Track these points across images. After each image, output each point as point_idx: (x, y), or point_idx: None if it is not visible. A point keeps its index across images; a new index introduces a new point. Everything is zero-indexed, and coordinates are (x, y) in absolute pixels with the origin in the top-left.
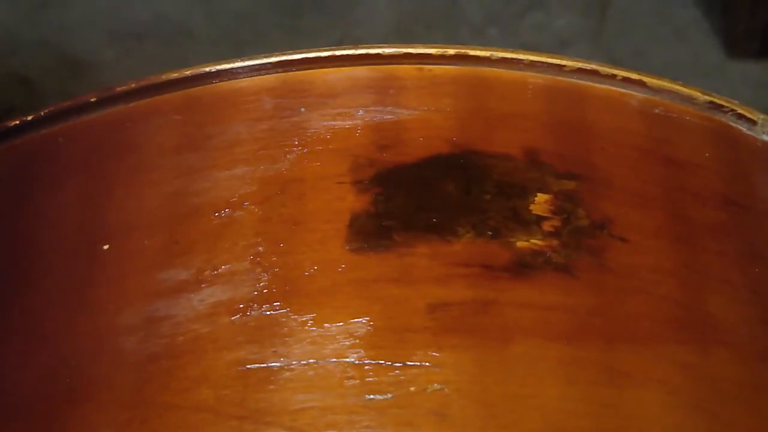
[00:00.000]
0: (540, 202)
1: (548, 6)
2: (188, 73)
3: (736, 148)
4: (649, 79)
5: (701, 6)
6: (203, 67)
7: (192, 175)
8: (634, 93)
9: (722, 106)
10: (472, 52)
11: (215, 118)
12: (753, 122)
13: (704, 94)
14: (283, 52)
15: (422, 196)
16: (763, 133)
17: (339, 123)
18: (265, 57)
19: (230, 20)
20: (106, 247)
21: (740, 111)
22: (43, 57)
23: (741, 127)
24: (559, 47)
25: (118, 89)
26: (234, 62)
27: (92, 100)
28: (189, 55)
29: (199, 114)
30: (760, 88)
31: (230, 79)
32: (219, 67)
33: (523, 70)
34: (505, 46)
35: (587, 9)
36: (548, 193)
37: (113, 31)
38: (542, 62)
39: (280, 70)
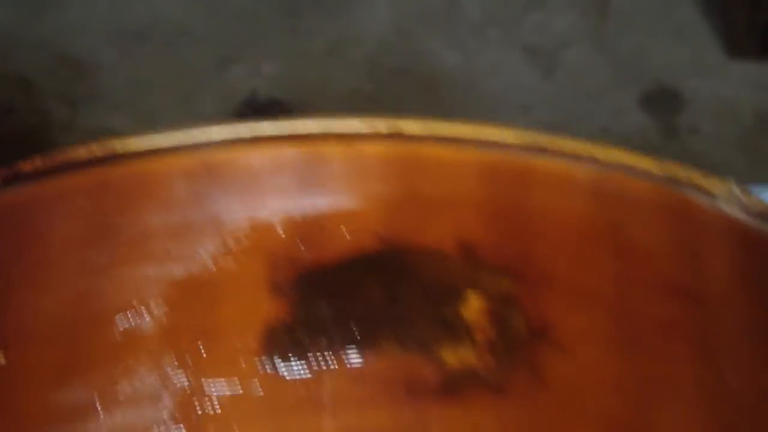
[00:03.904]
0: (473, 308)
1: (548, 6)
2: (99, 152)
3: (695, 228)
4: (601, 152)
5: (701, 6)
6: (114, 144)
7: (97, 275)
8: (585, 168)
9: (680, 179)
10: (406, 130)
11: (126, 206)
12: (713, 195)
13: (660, 166)
14: (202, 130)
15: (344, 304)
16: (725, 204)
17: (259, 214)
18: (184, 135)
19: (230, 20)
20: (2, 360)
21: (699, 183)
22: (42, 57)
23: (701, 201)
24: (560, 47)
25: (23, 167)
26: (149, 140)
27: None
28: (189, 55)
29: (109, 200)
30: (761, 88)
31: (145, 160)
32: (132, 147)
33: (463, 148)
34: (505, 46)
35: (587, 9)
36: (482, 296)
37: (113, 32)
38: (484, 140)
39: (198, 150)
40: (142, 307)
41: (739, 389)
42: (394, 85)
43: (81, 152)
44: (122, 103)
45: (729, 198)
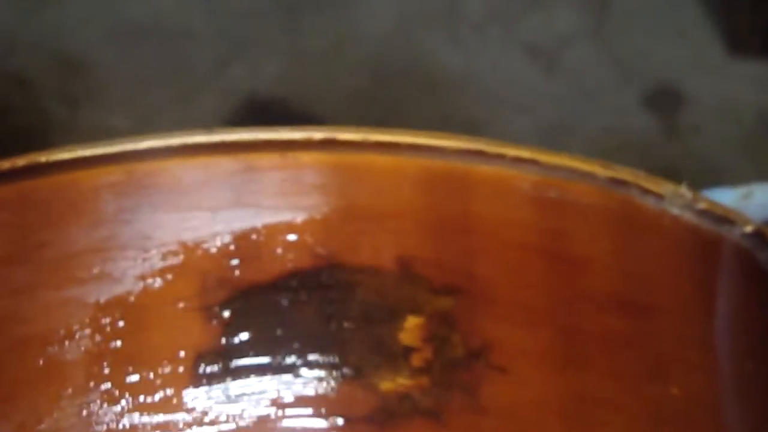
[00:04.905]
0: (410, 329)
1: (549, 5)
2: (21, 163)
3: (641, 232)
4: (543, 156)
5: (703, 5)
6: (37, 155)
7: (20, 296)
8: (526, 174)
9: (625, 181)
10: (341, 137)
11: (50, 221)
12: (660, 196)
13: (605, 168)
14: (128, 139)
15: (277, 327)
16: (673, 206)
17: (189, 230)
18: (109, 145)
19: (230, 18)
20: None
21: (645, 185)
22: (40, 57)
23: (648, 203)
24: (561, 46)
25: None
26: (75, 151)
27: None
28: (188, 54)
29: (33, 214)
30: (763, 87)
31: (70, 171)
32: (57, 157)
33: (402, 155)
34: (506, 46)
35: (588, 8)
36: (421, 316)
37: (111, 30)
38: (422, 144)
39: (125, 161)
40: (67, 332)
41: (682, 397)
42: (395, 85)
43: (2, 164)
44: (121, 102)
45: (676, 199)
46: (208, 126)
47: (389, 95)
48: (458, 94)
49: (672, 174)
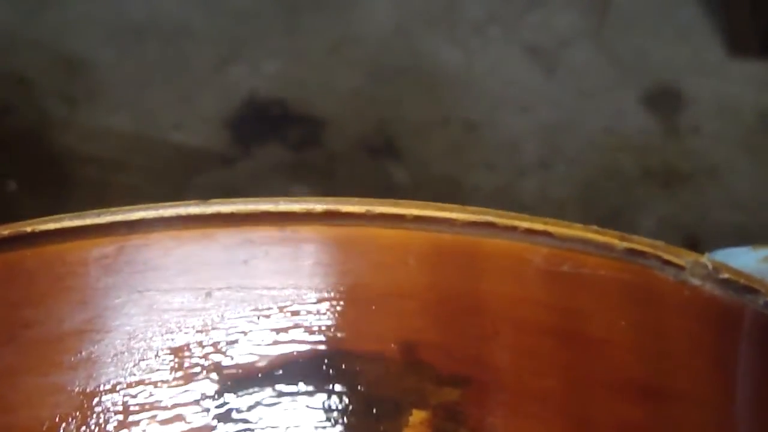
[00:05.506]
0: (415, 425)
1: (549, 5)
2: (5, 233)
3: (660, 307)
4: (556, 228)
5: (702, 5)
6: (24, 226)
7: (2, 382)
8: (539, 246)
9: (644, 252)
10: (344, 209)
11: (36, 296)
12: (681, 268)
13: (622, 239)
14: (119, 210)
15: (274, 422)
16: (693, 276)
17: (182, 312)
18: (98, 216)
19: (230, 18)
20: None
21: (665, 257)
22: (41, 56)
23: (668, 275)
24: (561, 46)
25: None
26: (62, 222)
27: None
28: (188, 53)
29: (17, 288)
30: (763, 87)
31: (57, 242)
32: (44, 228)
33: (407, 228)
34: (506, 46)
35: (588, 8)
36: (426, 409)
37: (112, 30)
38: (429, 217)
39: (115, 233)
40: (52, 425)
41: None
42: (394, 85)
43: None
44: (122, 101)
45: (698, 269)
46: (206, 124)
47: (389, 95)
48: (458, 94)
49: (671, 174)
